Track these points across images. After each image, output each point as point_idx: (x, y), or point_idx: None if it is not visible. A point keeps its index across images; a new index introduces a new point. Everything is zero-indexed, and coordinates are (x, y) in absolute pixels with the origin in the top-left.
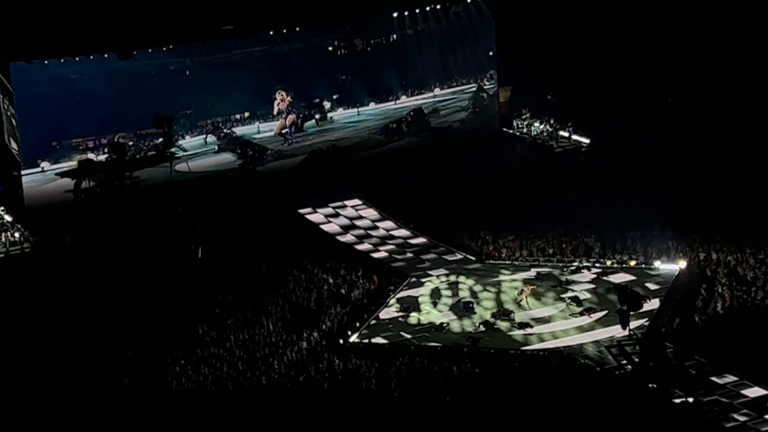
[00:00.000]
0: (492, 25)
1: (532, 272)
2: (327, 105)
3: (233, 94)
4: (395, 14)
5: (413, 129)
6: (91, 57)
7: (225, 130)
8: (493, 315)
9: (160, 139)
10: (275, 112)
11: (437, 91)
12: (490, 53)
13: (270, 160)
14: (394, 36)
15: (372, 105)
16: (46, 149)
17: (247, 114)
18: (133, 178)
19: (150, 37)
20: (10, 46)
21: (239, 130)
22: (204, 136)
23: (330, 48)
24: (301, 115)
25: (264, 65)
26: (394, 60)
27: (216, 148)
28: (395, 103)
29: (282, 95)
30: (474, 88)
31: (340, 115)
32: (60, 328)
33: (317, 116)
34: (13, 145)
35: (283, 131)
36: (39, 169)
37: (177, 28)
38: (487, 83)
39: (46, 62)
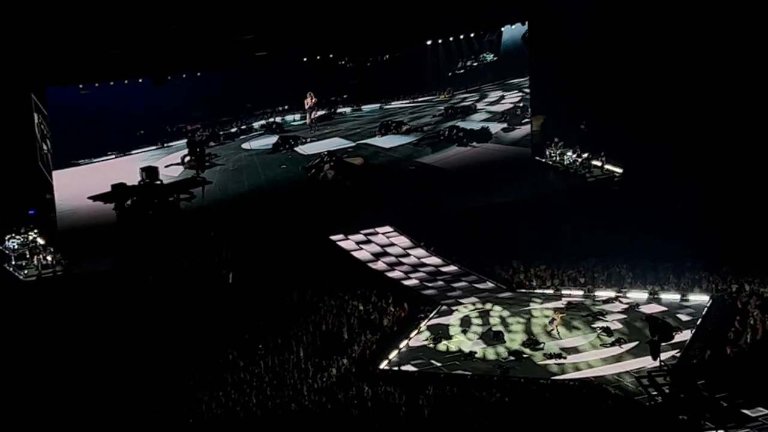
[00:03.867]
0: (525, 54)
1: (563, 302)
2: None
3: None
4: (429, 42)
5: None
6: (125, 81)
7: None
8: (523, 344)
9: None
10: (306, 107)
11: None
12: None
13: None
14: None
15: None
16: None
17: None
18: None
19: (184, 63)
20: (45, 71)
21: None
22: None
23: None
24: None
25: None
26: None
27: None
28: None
29: (311, 95)
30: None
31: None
32: (91, 352)
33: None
34: (45, 166)
35: (311, 122)
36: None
37: (211, 54)
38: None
39: (81, 86)
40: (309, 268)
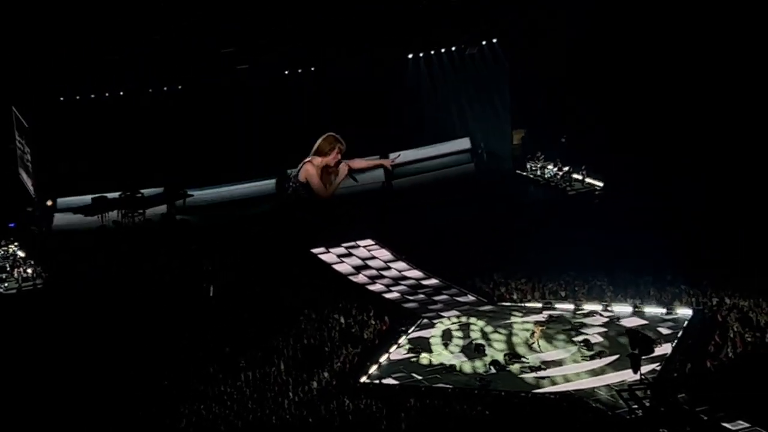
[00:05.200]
0: (506, 67)
1: (544, 315)
2: None
3: None
4: (410, 56)
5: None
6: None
7: None
8: (505, 356)
9: None
10: None
11: None
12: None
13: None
14: None
15: None
16: None
17: None
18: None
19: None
20: (23, 85)
21: None
22: None
23: None
24: None
25: None
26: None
27: None
28: None
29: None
30: None
31: None
32: (70, 365)
33: None
34: (27, 181)
35: None
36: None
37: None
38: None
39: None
40: (290, 280)
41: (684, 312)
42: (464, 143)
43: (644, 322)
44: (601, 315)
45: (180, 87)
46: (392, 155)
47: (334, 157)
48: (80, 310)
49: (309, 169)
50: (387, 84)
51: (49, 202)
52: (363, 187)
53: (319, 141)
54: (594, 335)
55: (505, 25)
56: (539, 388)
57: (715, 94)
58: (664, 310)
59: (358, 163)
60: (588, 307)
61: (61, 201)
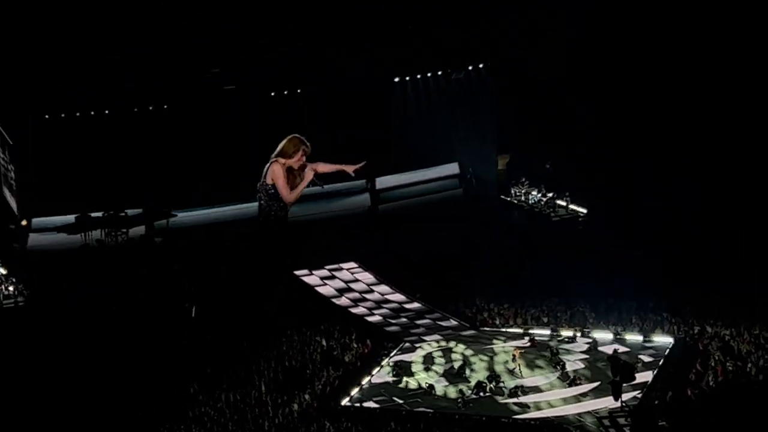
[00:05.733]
0: (493, 92)
1: (526, 340)
2: None
3: None
4: (396, 79)
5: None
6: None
7: None
8: (487, 378)
9: None
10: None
11: None
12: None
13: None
14: None
15: None
16: None
17: None
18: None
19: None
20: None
21: None
22: None
23: None
24: None
25: None
26: None
27: None
28: None
29: None
30: None
31: None
32: (50, 383)
33: None
34: (11, 199)
35: None
36: None
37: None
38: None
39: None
40: (273, 302)
41: (665, 340)
42: (453, 168)
43: (626, 349)
44: (583, 341)
45: (166, 107)
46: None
47: (298, 159)
48: (62, 328)
49: (276, 170)
50: (374, 107)
51: (24, 222)
52: (349, 211)
53: (283, 142)
54: (575, 362)
55: (492, 49)
56: (520, 413)
57: (703, 127)
58: (644, 338)
59: (323, 167)
60: (569, 333)
61: (45, 220)
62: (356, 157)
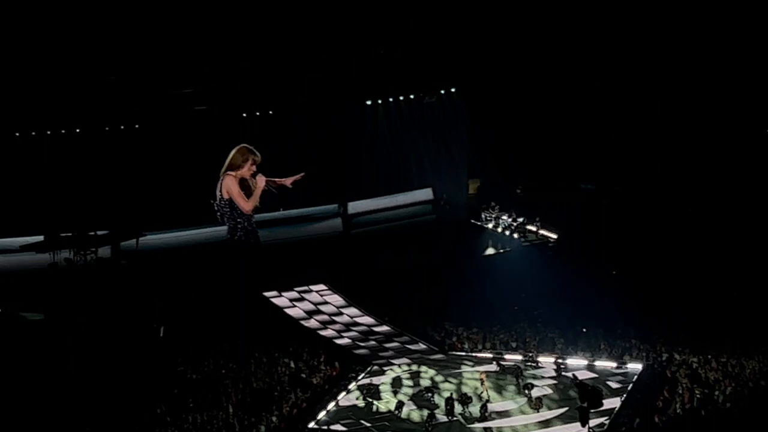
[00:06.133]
0: (464, 116)
1: (494, 365)
2: None
3: None
4: (368, 102)
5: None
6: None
7: None
8: (456, 399)
9: None
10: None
11: None
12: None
13: None
14: None
15: None
16: None
17: None
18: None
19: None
20: None
21: None
22: None
23: None
24: None
25: None
26: None
27: None
28: None
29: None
30: None
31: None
32: (18, 404)
33: None
34: None
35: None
36: None
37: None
38: None
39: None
40: (241, 323)
41: (634, 366)
42: (427, 194)
43: (594, 375)
44: (552, 368)
45: (138, 126)
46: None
47: (248, 168)
48: (28, 349)
49: (228, 183)
50: (346, 131)
51: None
52: (321, 234)
53: (231, 153)
54: (543, 387)
55: (463, 74)
56: None
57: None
58: (614, 364)
59: (261, 180)
60: (539, 359)
61: (8, 241)
62: (328, 182)
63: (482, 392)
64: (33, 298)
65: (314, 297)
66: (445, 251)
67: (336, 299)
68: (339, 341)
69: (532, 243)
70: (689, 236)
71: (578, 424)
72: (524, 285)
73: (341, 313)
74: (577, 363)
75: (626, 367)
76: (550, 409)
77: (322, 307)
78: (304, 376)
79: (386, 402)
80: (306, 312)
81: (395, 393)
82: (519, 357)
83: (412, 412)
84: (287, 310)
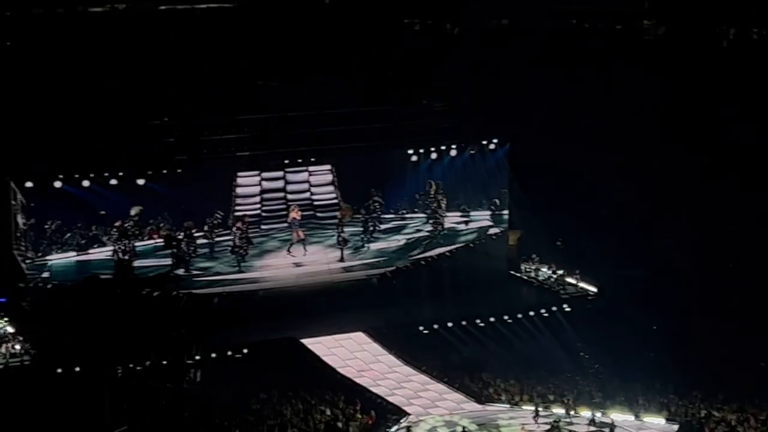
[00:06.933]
0: (506, 168)
1: (531, 418)
2: None
3: None
4: (411, 151)
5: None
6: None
7: None
8: None
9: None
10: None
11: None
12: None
13: None
14: None
15: None
16: None
17: None
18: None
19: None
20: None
21: None
22: None
23: None
24: None
25: None
26: None
27: None
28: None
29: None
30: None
31: None
32: None
33: None
34: (21, 257)
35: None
36: None
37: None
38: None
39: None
40: (278, 369)
41: (671, 426)
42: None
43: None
44: (593, 422)
45: None
46: None
47: None
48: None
49: None
50: (386, 178)
51: None
52: (360, 281)
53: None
54: None
55: (506, 125)
56: None
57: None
58: (662, 420)
59: None
60: (576, 412)
61: None
62: None
63: None
64: None
65: (351, 345)
66: (483, 301)
67: (373, 347)
68: (375, 389)
69: (571, 296)
70: (727, 290)
71: None
72: (562, 337)
73: (378, 361)
74: (611, 418)
75: (662, 424)
76: None
77: (359, 355)
78: (340, 424)
79: None
80: (343, 359)
81: None
82: (561, 410)
83: None
84: (324, 358)
